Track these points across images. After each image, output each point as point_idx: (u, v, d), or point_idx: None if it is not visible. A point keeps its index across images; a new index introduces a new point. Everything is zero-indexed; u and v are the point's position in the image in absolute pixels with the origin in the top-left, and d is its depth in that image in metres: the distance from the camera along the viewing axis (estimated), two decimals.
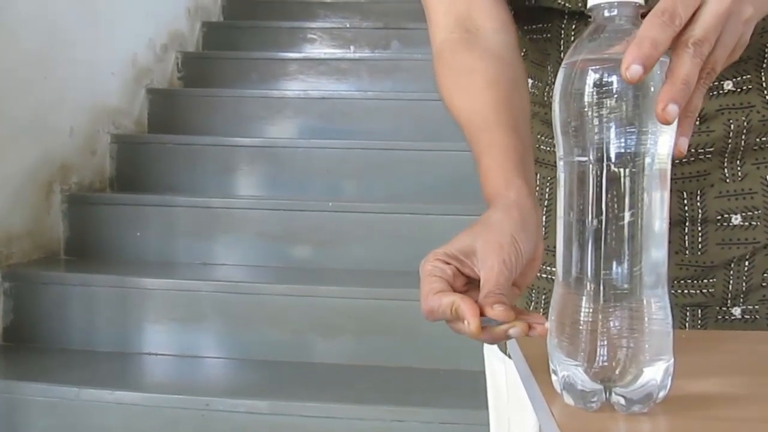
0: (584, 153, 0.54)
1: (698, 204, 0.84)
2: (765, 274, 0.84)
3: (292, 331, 2.36)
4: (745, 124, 0.82)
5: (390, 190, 2.82)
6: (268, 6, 4.07)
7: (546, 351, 0.56)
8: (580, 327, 0.54)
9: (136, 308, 2.41)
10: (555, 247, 0.57)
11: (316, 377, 2.23)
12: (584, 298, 0.54)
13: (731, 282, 0.84)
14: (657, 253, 0.54)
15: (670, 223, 0.56)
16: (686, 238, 0.84)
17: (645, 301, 0.53)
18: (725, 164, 0.83)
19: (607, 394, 0.53)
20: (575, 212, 0.55)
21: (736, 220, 0.83)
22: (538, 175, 0.91)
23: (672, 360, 0.54)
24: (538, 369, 0.59)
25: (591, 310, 0.53)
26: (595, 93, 0.53)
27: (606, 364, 0.53)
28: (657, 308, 0.54)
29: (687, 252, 0.84)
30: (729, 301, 0.85)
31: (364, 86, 3.45)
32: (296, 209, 2.67)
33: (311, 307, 2.36)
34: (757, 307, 0.85)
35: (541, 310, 0.91)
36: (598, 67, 0.53)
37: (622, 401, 0.53)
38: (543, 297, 0.91)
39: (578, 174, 0.55)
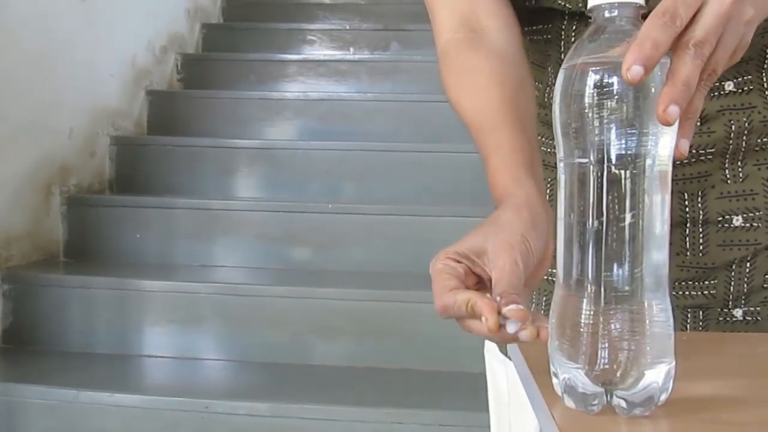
0: (585, 154, 0.54)
1: (699, 205, 0.83)
2: (766, 276, 0.84)
3: (292, 332, 2.35)
4: (747, 125, 0.82)
5: (389, 191, 2.82)
6: (267, 8, 4.07)
7: (546, 353, 0.56)
8: (581, 329, 0.53)
9: (136, 310, 2.40)
10: (556, 249, 0.57)
11: (315, 379, 2.23)
12: (585, 300, 0.54)
13: (732, 283, 0.84)
14: (658, 254, 0.54)
15: (671, 225, 0.55)
16: (687, 239, 0.84)
17: (646, 303, 0.53)
18: (726, 165, 0.83)
19: (608, 397, 0.53)
20: (576, 214, 0.54)
21: (738, 221, 0.83)
22: None
23: (673, 362, 0.54)
24: (538, 371, 0.59)
25: (592, 313, 0.53)
26: (595, 94, 0.53)
27: (607, 366, 0.52)
28: (658, 310, 0.54)
29: (688, 253, 0.84)
30: (730, 303, 0.85)
31: (364, 88, 3.45)
32: (296, 211, 2.67)
33: (311, 308, 2.36)
34: (758, 308, 0.84)
35: (542, 311, 0.90)
36: (598, 68, 0.53)
37: (624, 404, 0.52)
38: (544, 298, 0.91)
39: (579, 175, 0.54)
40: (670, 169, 0.55)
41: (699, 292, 0.85)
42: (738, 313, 0.85)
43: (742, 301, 0.85)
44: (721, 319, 0.85)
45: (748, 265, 0.84)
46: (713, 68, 0.58)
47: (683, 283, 0.85)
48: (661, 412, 0.53)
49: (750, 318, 0.85)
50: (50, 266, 2.61)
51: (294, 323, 2.36)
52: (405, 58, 3.55)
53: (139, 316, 2.40)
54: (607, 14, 0.55)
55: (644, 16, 0.55)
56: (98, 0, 2.92)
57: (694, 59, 0.55)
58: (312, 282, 2.48)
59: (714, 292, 0.84)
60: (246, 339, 2.37)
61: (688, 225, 0.84)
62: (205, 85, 3.53)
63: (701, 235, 0.84)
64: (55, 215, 2.70)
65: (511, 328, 0.58)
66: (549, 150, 0.91)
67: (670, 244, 0.55)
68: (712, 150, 0.82)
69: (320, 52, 3.78)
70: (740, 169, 0.83)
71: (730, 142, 0.82)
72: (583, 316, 0.53)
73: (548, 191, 0.91)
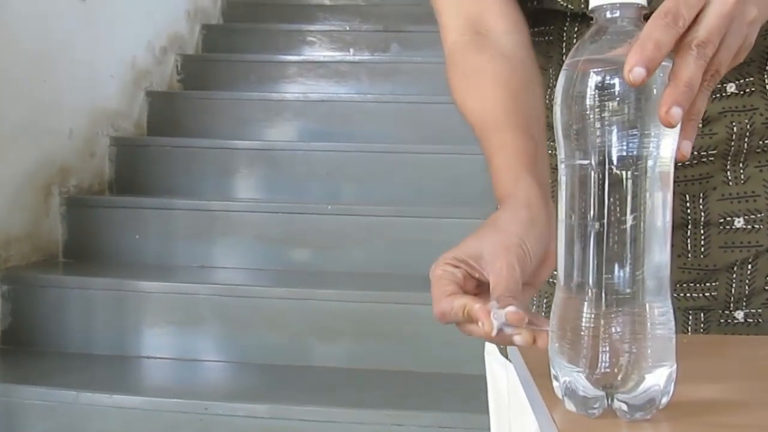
0: (586, 156, 0.53)
1: (701, 207, 0.83)
2: None
3: (291, 334, 2.35)
4: (748, 126, 0.82)
5: (389, 193, 2.82)
6: (267, 9, 4.07)
7: (546, 356, 0.56)
8: (582, 332, 0.53)
9: (135, 311, 2.40)
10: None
11: (315, 381, 2.23)
12: (586, 302, 0.53)
13: (734, 285, 0.84)
14: (659, 256, 0.54)
15: (672, 227, 0.55)
16: (689, 241, 0.84)
17: (647, 306, 0.53)
18: (728, 167, 0.83)
19: (609, 400, 0.53)
20: (577, 215, 0.54)
21: (739, 223, 0.83)
22: None
23: (675, 365, 0.53)
24: (539, 374, 0.59)
25: (593, 315, 0.53)
26: (597, 95, 0.53)
27: (608, 369, 0.52)
28: (659, 313, 0.53)
29: (689, 255, 0.84)
30: (732, 305, 0.84)
31: (364, 89, 3.45)
32: (295, 212, 2.67)
33: (310, 310, 2.36)
34: (760, 310, 0.84)
35: (543, 312, 0.90)
36: (600, 69, 0.53)
37: (625, 407, 0.52)
38: (545, 300, 0.91)
39: (580, 177, 0.54)
40: (671, 170, 0.54)
41: (700, 294, 0.84)
42: (739, 315, 0.84)
43: (744, 303, 0.84)
44: (722, 321, 0.85)
45: (749, 267, 0.83)
46: (716, 69, 0.58)
47: (684, 284, 0.84)
48: (663, 415, 0.53)
49: (751, 320, 0.84)
50: (49, 267, 2.61)
51: (293, 325, 2.35)
52: (405, 60, 3.55)
53: (139, 317, 2.40)
54: (608, 15, 0.55)
55: (646, 17, 0.55)
56: (98, 0, 2.92)
57: (697, 60, 0.55)
58: (312, 283, 2.48)
59: (715, 294, 0.84)
60: (245, 340, 2.37)
61: (689, 227, 0.84)
62: (205, 86, 3.53)
63: (703, 237, 0.84)
64: (55, 216, 2.70)
65: (508, 331, 0.59)
66: (550, 151, 0.90)
67: (672, 245, 0.55)
68: (714, 152, 0.82)
69: (320, 53, 3.78)
70: (742, 171, 0.83)
71: (732, 143, 0.82)
72: (584, 319, 0.53)
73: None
